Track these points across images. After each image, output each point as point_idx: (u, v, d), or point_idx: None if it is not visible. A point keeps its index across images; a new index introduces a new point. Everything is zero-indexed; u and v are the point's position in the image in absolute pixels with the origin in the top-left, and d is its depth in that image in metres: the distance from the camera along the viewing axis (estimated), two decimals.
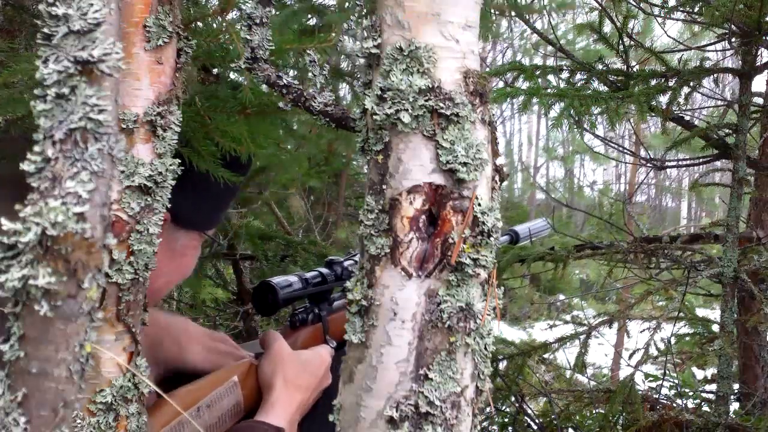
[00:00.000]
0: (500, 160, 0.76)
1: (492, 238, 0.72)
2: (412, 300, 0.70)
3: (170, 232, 1.17)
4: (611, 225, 3.18)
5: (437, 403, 0.69)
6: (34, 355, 0.59)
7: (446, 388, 0.70)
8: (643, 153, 3.22)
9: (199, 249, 1.25)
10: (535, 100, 2.09)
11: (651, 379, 2.99)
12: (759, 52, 2.15)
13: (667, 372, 2.53)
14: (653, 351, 2.44)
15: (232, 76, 1.15)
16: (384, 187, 0.72)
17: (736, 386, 2.42)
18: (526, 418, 2.55)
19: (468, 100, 0.71)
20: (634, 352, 2.51)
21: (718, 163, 2.49)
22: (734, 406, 2.39)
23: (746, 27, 2.01)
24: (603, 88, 2.22)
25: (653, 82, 2.15)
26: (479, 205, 0.71)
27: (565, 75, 2.26)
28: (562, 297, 8.01)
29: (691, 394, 2.77)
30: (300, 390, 1.24)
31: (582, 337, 2.38)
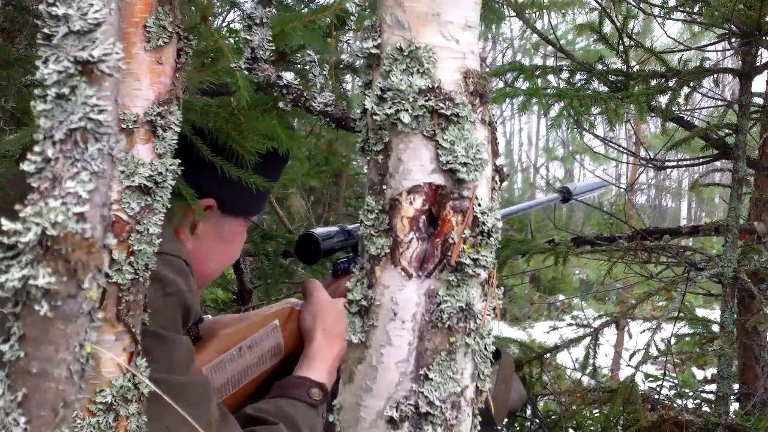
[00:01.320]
0: (500, 160, 0.76)
1: (492, 238, 0.72)
2: (412, 300, 0.70)
3: (217, 219, 1.23)
4: (611, 216, 3.18)
5: (437, 403, 0.69)
6: (34, 355, 0.59)
7: (446, 388, 0.70)
8: (643, 153, 3.22)
9: (244, 234, 1.30)
10: (534, 100, 2.09)
11: (651, 379, 2.99)
12: (759, 52, 2.14)
13: (667, 372, 2.53)
14: (653, 351, 2.44)
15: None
16: (384, 187, 0.72)
17: (736, 386, 2.42)
18: (536, 420, 2.55)
19: (468, 100, 0.71)
20: (634, 353, 2.51)
21: (718, 163, 2.49)
22: (734, 406, 2.39)
23: (746, 27, 2.01)
24: (603, 88, 2.22)
25: (653, 83, 2.15)
26: (479, 205, 0.71)
27: (565, 75, 2.26)
28: (562, 297, 8.02)
29: (691, 394, 2.77)
30: (340, 338, 1.29)
31: (589, 339, 2.38)
